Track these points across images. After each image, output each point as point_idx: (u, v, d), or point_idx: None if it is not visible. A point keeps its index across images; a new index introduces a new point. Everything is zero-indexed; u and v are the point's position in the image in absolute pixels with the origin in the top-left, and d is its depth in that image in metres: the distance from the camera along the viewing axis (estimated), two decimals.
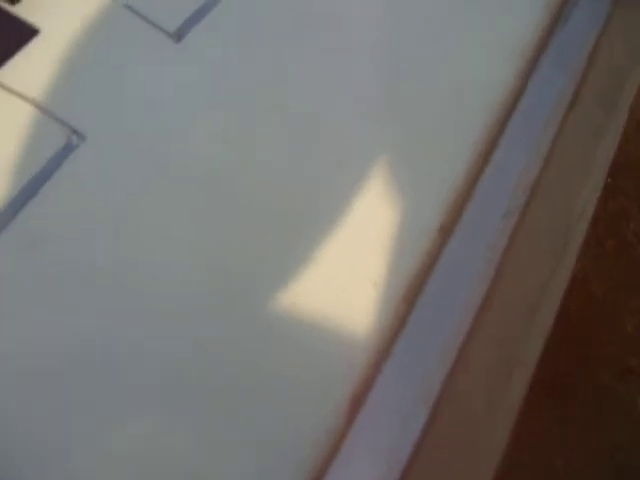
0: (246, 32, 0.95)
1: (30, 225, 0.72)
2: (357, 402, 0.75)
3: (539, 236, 0.89)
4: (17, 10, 0.84)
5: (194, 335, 0.72)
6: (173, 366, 0.70)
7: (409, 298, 0.80)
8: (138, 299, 0.71)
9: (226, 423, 0.70)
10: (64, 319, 0.69)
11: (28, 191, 0.73)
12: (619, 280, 1.80)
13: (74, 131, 0.78)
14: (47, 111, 0.78)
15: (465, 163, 0.92)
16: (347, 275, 0.81)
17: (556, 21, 1.08)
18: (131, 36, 0.90)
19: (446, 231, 0.87)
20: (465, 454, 0.77)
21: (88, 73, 0.85)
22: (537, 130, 0.96)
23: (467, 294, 0.83)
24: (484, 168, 0.92)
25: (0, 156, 0.75)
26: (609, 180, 1.91)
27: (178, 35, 0.91)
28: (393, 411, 0.77)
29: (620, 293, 1.77)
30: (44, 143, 0.77)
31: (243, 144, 0.85)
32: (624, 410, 1.65)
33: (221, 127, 0.86)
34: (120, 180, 0.78)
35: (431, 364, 0.77)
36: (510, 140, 0.95)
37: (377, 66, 0.96)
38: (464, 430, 0.78)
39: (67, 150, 0.77)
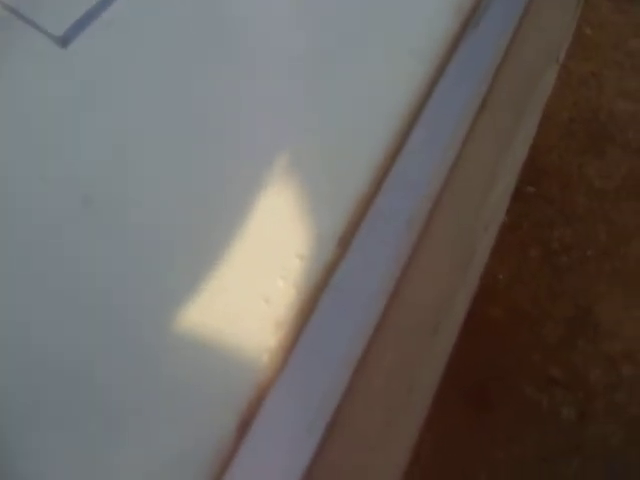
0: (141, 36, 0.90)
1: None
2: (245, 426, 0.70)
3: (444, 246, 0.86)
4: None
5: None
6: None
7: (303, 314, 0.75)
8: None
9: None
10: None
11: None
12: (544, 288, 1.78)
13: None
14: None
15: (368, 171, 0.88)
16: (238, 291, 0.76)
17: (466, 25, 1.05)
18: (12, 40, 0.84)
19: (345, 243, 0.83)
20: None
21: None
22: (444, 136, 0.92)
23: (365, 309, 0.78)
24: (387, 175, 0.88)
25: None
26: (532, 188, 1.90)
27: (64, 40, 0.86)
28: (283, 435, 0.72)
29: (544, 302, 1.76)
30: None
31: (135, 157, 0.80)
32: (548, 421, 1.63)
33: (110, 140, 0.81)
34: None
35: (325, 385, 0.73)
36: (415, 147, 0.91)
37: (278, 75, 0.92)
38: (359, 454, 0.74)
39: None
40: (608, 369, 1.69)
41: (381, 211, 0.84)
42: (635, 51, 2.33)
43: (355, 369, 0.73)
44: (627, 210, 1.93)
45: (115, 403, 0.67)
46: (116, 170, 0.81)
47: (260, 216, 0.80)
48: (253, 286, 0.76)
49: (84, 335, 0.68)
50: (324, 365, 0.73)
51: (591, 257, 1.84)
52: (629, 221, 1.92)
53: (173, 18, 0.92)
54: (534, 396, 1.65)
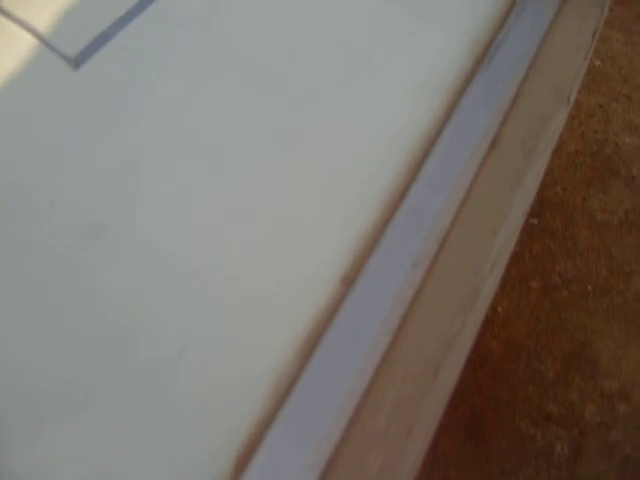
0: (150, 61, 0.90)
1: None
2: (242, 465, 0.69)
3: (449, 287, 0.85)
4: None
5: None
6: None
7: (305, 352, 0.75)
8: None
9: None
10: None
11: None
12: (543, 322, 1.78)
13: None
14: None
15: (375, 208, 0.88)
16: (243, 329, 0.76)
17: (480, 61, 1.05)
18: (27, 60, 0.84)
19: (350, 281, 0.82)
20: None
21: None
22: (454, 174, 0.92)
23: (368, 349, 0.78)
24: (395, 214, 0.88)
25: None
26: (535, 220, 1.90)
27: (77, 61, 0.86)
28: (283, 473, 0.71)
29: (543, 336, 1.75)
30: None
31: (141, 180, 0.80)
32: (541, 456, 1.62)
33: (119, 158, 0.81)
34: None
35: (324, 427, 0.72)
36: (425, 184, 0.91)
37: (284, 106, 0.91)
38: None
39: None
40: (604, 407, 1.68)
41: (387, 250, 0.84)
42: None
43: (355, 409, 0.73)
44: (629, 246, 1.93)
45: None
46: (127, 193, 0.81)
47: (266, 251, 0.80)
48: (257, 324, 0.75)
49: None
50: (325, 404, 0.72)
51: (591, 292, 1.84)
52: (630, 257, 1.91)
53: (184, 42, 0.92)
54: (529, 431, 1.64)
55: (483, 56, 1.05)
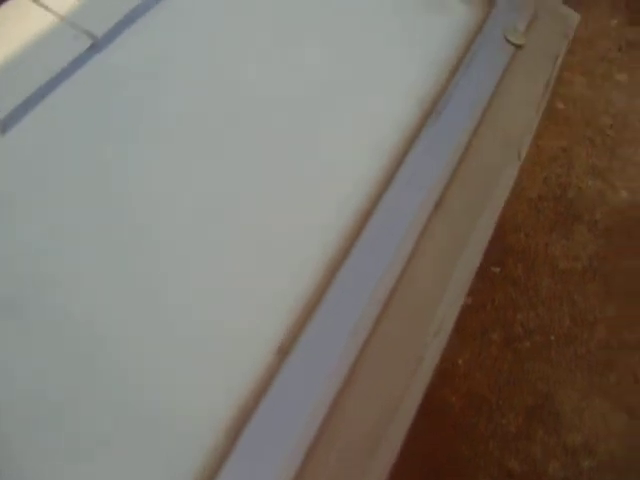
0: (80, 123, 0.87)
1: None
2: None
3: (389, 355, 0.81)
4: None
5: None
6: None
7: (237, 428, 0.71)
8: None
9: None
10: None
11: None
12: (504, 375, 1.74)
13: None
14: None
15: (314, 274, 0.84)
16: (174, 403, 0.72)
17: (427, 118, 1.02)
18: None
19: (285, 352, 0.78)
20: None
21: None
22: (396, 238, 0.88)
23: (301, 427, 0.73)
24: (334, 280, 0.84)
25: None
26: (497, 269, 1.87)
27: (3, 126, 0.82)
28: None
29: (504, 389, 1.72)
30: None
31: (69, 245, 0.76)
32: None
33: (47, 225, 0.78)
34: None
35: None
36: (366, 248, 0.87)
37: (224, 170, 0.88)
38: None
39: None
40: (567, 462, 1.64)
41: (325, 318, 0.80)
42: (606, 127, 2.32)
43: None
44: (592, 293, 1.91)
45: None
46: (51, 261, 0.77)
47: (201, 322, 0.77)
48: (182, 404, 0.72)
49: None
50: None
51: (554, 342, 1.81)
52: (594, 304, 1.89)
53: (116, 105, 0.89)
54: None
55: (430, 113, 1.02)
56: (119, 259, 0.78)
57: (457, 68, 1.10)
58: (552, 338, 1.82)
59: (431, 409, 1.63)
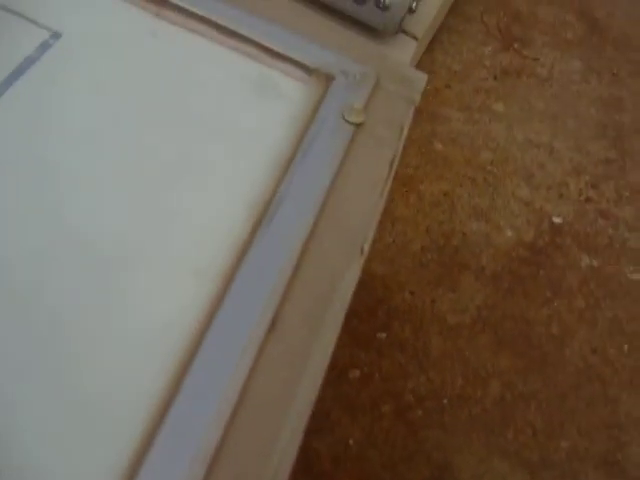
0: None
1: None
2: None
3: None
4: None
5: None
6: None
7: None
8: None
9: None
10: None
11: None
12: (398, 449, 1.67)
13: None
14: None
15: (135, 428, 0.76)
16: None
17: (258, 227, 0.94)
18: None
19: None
20: None
21: None
22: (225, 371, 0.79)
23: None
24: (158, 433, 0.75)
25: None
26: (383, 335, 1.81)
27: None
28: None
29: (399, 465, 1.65)
30: None
31: None
32: None
33: None
34: None
35: None
36: (189, 392, 0.78)
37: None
38: None
39: None
40: None
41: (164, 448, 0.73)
42: (487, 163, 2.31)
43: None
44: (482, 346, 1.87)
45: None
46: None
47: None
48: None
49: None
50: None
51: (447, 406, 1.76)
52: (485, 358, 1.85)
53: None
54: None
55: (263, 217, 0.94)
56: None
57: (292, 159, 1.02)
58: (445, 402, 1.77)
59: None
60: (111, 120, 1.04)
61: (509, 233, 2.13)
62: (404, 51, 2.02)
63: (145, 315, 0.87)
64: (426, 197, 2.17)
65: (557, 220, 2.20)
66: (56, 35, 1.03)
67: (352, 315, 0.80)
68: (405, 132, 1.19)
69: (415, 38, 2.00)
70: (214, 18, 1.13)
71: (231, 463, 0.77)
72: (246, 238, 0.94)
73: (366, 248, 1.05)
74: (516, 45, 2.66)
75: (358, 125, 1.15)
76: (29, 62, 1.01)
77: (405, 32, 2.03)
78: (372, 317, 1.85)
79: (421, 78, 1.30)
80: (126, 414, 0.79)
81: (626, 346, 2.03)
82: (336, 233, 1.00)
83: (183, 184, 0.99)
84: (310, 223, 0.98)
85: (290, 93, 1.15)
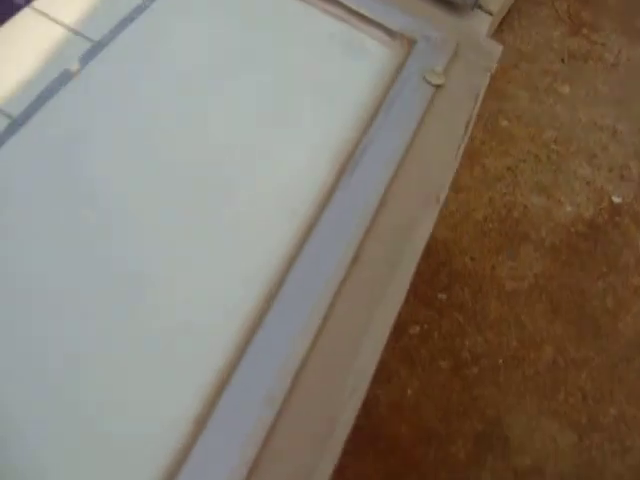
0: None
1: None
2: None
3: (304, 421, 0.82)
4: None
5: None
6: None
7: None
8: None
9: None
10: None
11: None
12: (453, 402, 1.76)
13: None
14: None
15: (228, 344, 0.85)
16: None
17: (342, 173, 1.03)
18: None
19: (201, 422, 0.79)
20: None
21: None
22: (313, 295, 0.89)
23: None
24: (248, 348, 0.85)
25: None
26: (444, 295, 1.89)
27: None
28: None
29: (453, 417, 1.73)
30: None
31: None
32: None
33: None
34: None
35: None
36: (280, 310, 0.88)
37: (126, 248, 0.89)
38: None
39: None
40: None
41: (239, 388, 0.81)
42: (551, 142, 2.35)
43: None
44: (538, 313, 1.93)
45: None
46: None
47: (116, 394, 0.77)
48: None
49: None
50: None
51: (502, 366, 1.83)
52: (541, 325, 1.91)
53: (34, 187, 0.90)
54: None
55: (345, 167, 1.03)
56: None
57: (375, 114, 1.11)
58: (500, 362, 1.84)
59: (381, 440, 1.65)
60: (219, 60, 1.14)
61: (569, 209, 2.18)
62: (479, 26, 2.08)
63: (248, 246, 0.97)
64: (490, 170, 2.23)
65: (617, 200, 2.24)
66: None
67: (415, 275, 0.87)
68: (481, 97, 1.27)
69: (490, 14, 2.06)
70: None
71: (317, 373, 0.87)
72: (333, 181, 1.04)
73: (442, 198, 1.13)
74: (585, 30, 2.68)
75: (438, 87, 1.23)
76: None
77: (481, 7, 2.08)
78: (434, 278, 1.93)
79: (497, 49, 1.38)
80: (224, 323, 0.88)
81: None
82: (415, 182, 1.09)
83: (277, 130, 1.08)
84: (392, 171, 1.07)
85: (375, 54, 1.24)
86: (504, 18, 2.50)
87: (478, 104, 1.26)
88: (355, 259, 0.95)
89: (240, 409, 0.81)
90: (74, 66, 1.00)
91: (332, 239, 0.95)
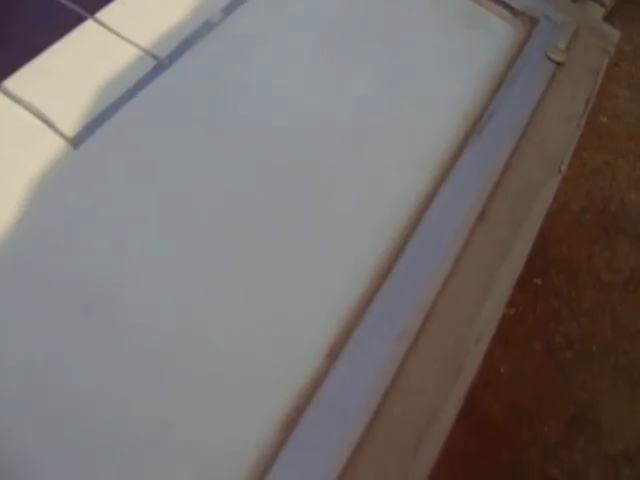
0: (147, 141, 0.93)
1: None
2: None
3: (432, 362, 0.86)
4: None
5: None
6: None
7: (288, 426, 0.76)
8: None
9: None
10: None
11: None
12: (546, 384, 1.77)
13: None
14: None
15: (362, 282, 0.89)
16: (228, 402, 0.77)
17: (471, 134, 1.06)
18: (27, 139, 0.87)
19: (334, 356, 0.83)
20: None
21: None
22: (441, 247, 0.93)
23: (349, 423, 0.78)
24: (381, 287, 0.89)
25: None
26: (540, 280, 1.90)
27: (76, 141, 0.89)
28: None
29: (546, 398, 1.74)
30: None
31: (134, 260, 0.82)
32: None
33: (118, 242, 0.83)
34: None
35: None
36: (412, 257, 0.92)
37: (276, 185, 0.94)
38: None
39: None
40: (608, 470, 1.66)
41: (371, 324, 0.85)
42: None
43: None
44: (634, 304, 1.92)
45: None
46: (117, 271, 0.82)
47: (253, 327, 0.81)
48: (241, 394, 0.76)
49: None
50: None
51: (596, 352, 1.83)
52: (636, 316, 1.91)
53: (182, 121, 0.95)
54: None
55: (474, 128, 1.06)
56: (182, 266, 0.84)
57: (500, 85, 1.14)
58: (594, 348, 1.84)
59: (474, 414, 1.67)
60: (355, 23, 1.18)
61: None
62: (594, 14, 2.08)
63: (382, 197, 1.01)
64: (588, 164, 2.23)
65: None
66: None
67: None
68: (600, 77, 1.29)
69: (603, 5, 2.07)
70: None
71: (445, 319, 0.91)
72: (460, 142, 1.08)
73: (563, 168, 1.16)
74: None
75: (559, 64, 1.26)
76: None
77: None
78: (530, 263, 1.94)
79: (615, 33, 1.39)
80: (354, 266, 0.92)
81: None
82: (538, 151, 1.12)
83: (409, 97, 1.12)
84: (517, 137, 1.10)
85: (498, 30, 1.27)
86: (606, 19, 2.49)
87: (598, 83, 1.28)
88: (481, 216, 0.99)
89: (372, 344, 0.85)
90: (216, 17, 1.06)
91: (461, 193, 0.99)
